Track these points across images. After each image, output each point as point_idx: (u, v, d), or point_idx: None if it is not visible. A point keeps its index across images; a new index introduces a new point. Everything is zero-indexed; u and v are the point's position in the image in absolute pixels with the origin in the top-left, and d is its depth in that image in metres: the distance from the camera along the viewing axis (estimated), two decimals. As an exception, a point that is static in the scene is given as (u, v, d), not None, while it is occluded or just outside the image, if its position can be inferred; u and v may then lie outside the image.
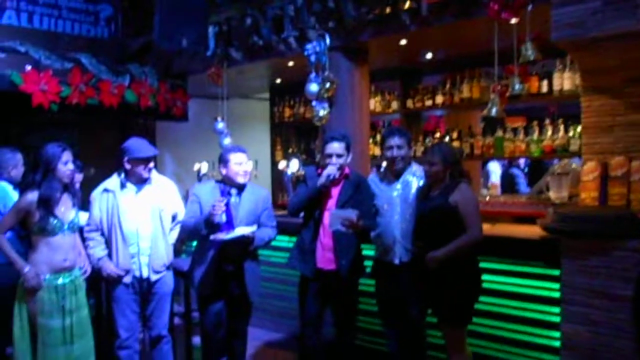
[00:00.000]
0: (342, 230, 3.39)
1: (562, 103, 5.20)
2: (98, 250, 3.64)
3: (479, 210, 3.29)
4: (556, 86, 4.83)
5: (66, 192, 3.40)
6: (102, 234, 3.67)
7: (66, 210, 3.35)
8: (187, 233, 3.71)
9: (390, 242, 3.52)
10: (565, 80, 4.76)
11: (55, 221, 3.27)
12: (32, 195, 3.23)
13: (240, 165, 3.60)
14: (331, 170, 3.51)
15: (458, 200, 3.21)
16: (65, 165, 3.33)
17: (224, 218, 3.46)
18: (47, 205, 3.24)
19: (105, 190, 3.68)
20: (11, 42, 4.87)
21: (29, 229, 3.30)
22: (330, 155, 3.57)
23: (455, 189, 3.24)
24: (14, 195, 3.87)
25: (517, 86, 3.85)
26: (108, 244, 3.67)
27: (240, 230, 3.44)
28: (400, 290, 3.53)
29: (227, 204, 3.45)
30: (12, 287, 3.39)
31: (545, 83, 4.89)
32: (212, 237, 3.43)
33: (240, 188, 3.63)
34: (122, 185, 3.67)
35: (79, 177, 4.25)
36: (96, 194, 3.70)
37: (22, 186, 3.37)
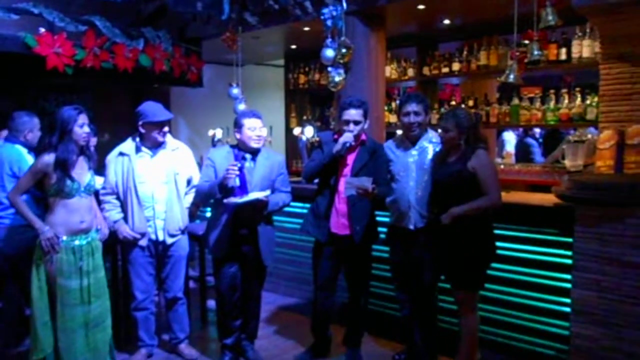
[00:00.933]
0: (355, 196, 3.41)
1: (579, 72, 5.13)
2: (114, 213, 3.70)
3: (497, 175, 3.29)
4: (575, 54, 4.75)
5: (82, 155, 3.43)
6: (118, 198, 3.72)
7: (82, 173, 3.39)
8: (202, 197, 3.75)
9: (406, 208, 3.54)
10: (584, 48, 4.68)
11: (72, 183, 3.30)
12: (49, 158, 3.26)
13: (253, 130, 3.59)
14: (348, 137, 3.50)
15: (476, 166, 3.20)
16: (82, 127, 3.35)
17: (237, 182, 3.48)
18: (63, 167, 3.27)
19: (121, 153, 3.71)
20: (24, 3, 4.83)
21: (45, 191, 3.35)
22: (347, 122, 3.55)
23: (473, 155, 3.23)
24: (29, 158, 3.91)
25: (535, 52, 3.79)
26: (124, 207, 3.71)
27: (254, 195, 3.46)
28: (414, 256, 3.56)
29: (240, 169, 3.47)
30: (30, 249, 3.47)
31: (564, 51, 4.82)
32: (225, 200, 3.46)
33: (254, 153, 3.64)
34: (137, 149, 3.71)
35: (93, 140, 4.27)
36: (111, 157, 3.73)
37: (38, 149, 3.41)
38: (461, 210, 3.21)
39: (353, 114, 3.54)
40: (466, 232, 3.24)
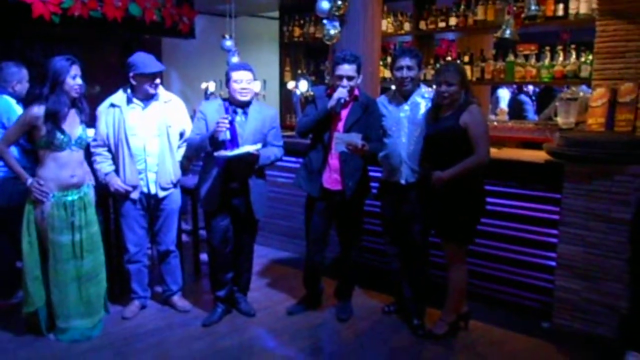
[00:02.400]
0: (347, 152, 3.42)
1: (576, 30, 5.07)
2: (105, 165, 3.67)
3: (488, 133, 3.30)
4: (572, 9, 4.70)
5: (74, 107, 3.39)
6: (109, 150, 3.68)
7: (73, 126, 3.34)
8: (193, 150, 3.73)
9: (397, 163, 3.56)
10: (581, 4, 4.62)
11: (63, 136, 3.26)
12: (39, 110, 3.21)
13: (239, 83, 3.54)
14: (341, 93, 3.48)
15: (468, 122, 3.20)
16: (74, 79, 3.30)
17: (228, 135, 3.46)
18: (54, 119, 3.22)
19: (112, 105, 3.66)
20: (8, -51, 4.71)
21: (35, 144, 3.32)
22: (340, 77, 3.51)
23: (465, 110, 3.23)
24: (18, 109, 3.85)
25: (533, 7, 3.76)
26: (115, 159, 3.68)
27: (245, 148, 3.44)
28: (405, 210, 3.59)
29: (231, 122, 3.45)
30: (21, 201, 3.47)
31: (561, 6, 4.75)
32: (215, 154, 3.44)
33: (245, 106, 3.61)
34: (129, 101, 3.65)
35: None
36: (102, 109, 3.68)
37: (28, 99, 3.35)
38: (449, 174, 3.23)
39: (347, 69, 3.51)
40: (457, 187, 3.27)
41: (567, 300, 3.50)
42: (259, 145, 3.50)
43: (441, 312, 3.59)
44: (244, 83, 3.55)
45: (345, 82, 3.50)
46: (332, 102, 3.48)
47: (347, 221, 3.76)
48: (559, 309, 3.55)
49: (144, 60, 3.61)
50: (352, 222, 3.78)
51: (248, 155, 3.46)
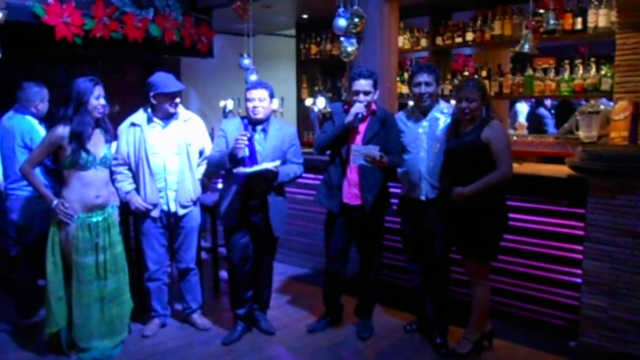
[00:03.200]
0: (366, 165, 3.41)
1: (594, 42, 5.03)
2: (125, 184, 3.70)
3: (510, 148, 3.26)
4: (591, 23, 4.66)
5: (98, 127, 3.43)
6: (130, 169, 3.71)
7: (98, 146, 3.38)
8: (213, 167, 3.74)
9: (417, 179, 3.53)
10: (600, 17, 4.59)
11: (87, 156, 3.29)
12: (64, 130, 3.25)
13: (251, 101, 3.56)
14: (359, 108, 3.49)
15: (490, 137, 3.17)
16: (97, 99, 3.34)
17: (247, 152, 3.48)
18: (78, 139, 3.26)
19: (133, 124, 3.70)
20: (32, -28, 4.81)
21: (60, 164, 3.35)
22: (357, 93, 3.53)
23: (487, 125, 3.20)
24: (40, 129, 3.92)
25: (551, 21, 3.73)
26: (135, 178, 3.71)
27: (264, 165, 3.45)
28: (426, 226, 3.56)
29: (250, 139, 3.47)
30: (42, 221, 3.50)
31: (579, 20, 4.72)
32: (235, 170, 3.46)
33: (262, 123, 3.61)
34: (149, 120, 3.69)
35: None
36: (123, 128, 3.72)
37: (52, 120, 3.40)
38: (471, 190, 3.20)
39: (363, 84, 3.52)
40: (479, 203, 3.23)
41: (594, 318, 3.42)
42: (277, 162, 3.51)
43: (464, 331, 3.53)
44: (256, 101, 3.56)
45: (362, 97, 3.51)
46: (349, 118, 3.48)
47: (367, 237, 3.73)
48: (585, 327, 3.47)
49: (164, 80, 3.65)
50: (372, 239, 3.75)
51: (267, 172, 3.46)
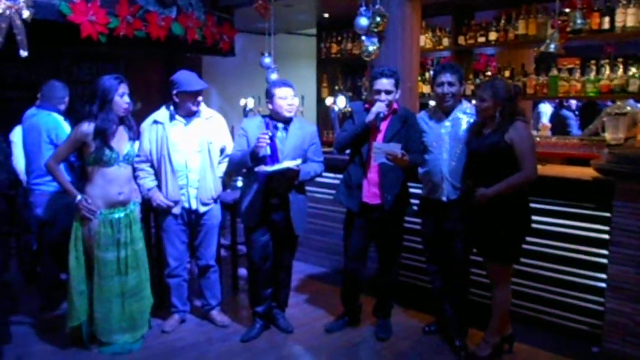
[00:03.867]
0: (387, 163, 3.39)
1: (621, 43, 4.93)
2: (148, 181, 3.73)
3: (535, 149, 3.20)
4: (619, 22, 4.57)
5: (122, 124, 3.46)
6: (152, 166, 3.74)
7: (122, 143, 3.41)
8: (234, 166, 3.76)
9: (439, 180, 3.50)
10: (629, 17, 4.51)
11: (111, 153, 3.33)
12: (89, 127, 3.29)
13: (285, 99, 3.57)
14: (380, 107, 3.47)
15: (514, 139, 3.13)
16: (122, 97, 3.37)
17: (268, 151, 3.48)
18: (103, 137, 3.30)
19: (155, 122, 3.73)
20: (59, -28, 4.86)
21: (84, 160, 3.39)
22: (379, 92, 3.51)
23: (511, 127, 3.15)
24: (66, 126, 3.98)
25: (579, 21, 3.66)
26: (157, 175, 3.74)
27: (285, 164, 3.45)
28: (447, 228, 3.53)
29: (272, 138, 3.47)
30: (65, 216, 3.55)
31: (607, 20, 4.64)
32: (256, 169, 3.46)
33: (287, 122, 3.62)
34: (172, 118, 3.72)
35: None
36: (146, 126, 3.75)
37: (78, 117, 3.43)
38: (494, 191, 3.15)
39: (385, 83, 3.50)
40: (501, 205, 3.19)
41: (619, 323, 3.36)
42: (299, 161, 3.51)
43: (485, 334, 3.49)
44: (289, 99, 3.58)
45: (383, 96, 3.49)
46: (370, 117, 3.46)
47: (387, 237, 3.71)
48: (609, 333, 3.41)
49: (187, 79, 3.67)
50: (392, 239, 3.73)
51: (288, 170, 3.46)
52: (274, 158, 3.52)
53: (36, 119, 4.03)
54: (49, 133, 3.95)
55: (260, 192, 3.59)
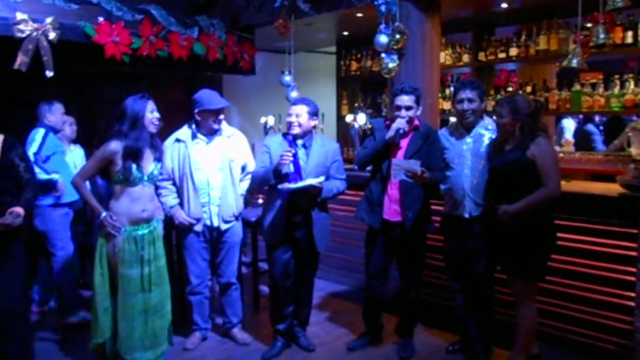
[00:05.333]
0: (407, 180, 3.36)
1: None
2: (170, 199, 3.76)
3: (557, 165, 3.16)
4: (642, 37, 4.53)
5: (149, 145, 3.46)
6: (174, 183, 3.78)
7: (147, 163, 3.40)
8: (257, 183, 3.76)
9: (460, 196, 3.47)
10: (652, 31, 4.46)
11: (137, 172, 3.34)
12: (116, 145, 3.27)
13: (289, 117, 3.60)
14: (400, 123, 3.46)
15: (536, 154, 3.09)
16: (152, 113, 3.38)
17: (291, 168, 3.49)
18: (135, 156, 3.29)
19: (177, 140, 3.77)
20: (83, -7, 4.97)
21: (110, 178, 3.39)
22: (399, 108, 3.51)
23: (533, 142, 3.12)
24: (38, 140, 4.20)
25: (601, 35, 3.62)
26: (179, 193, 3.77)
27: (308, 181, 3.46)
28: (470, 245, 3.49)
29: (294, 155, 3.48)
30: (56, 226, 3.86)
31: (630, 34, 4.60)
32: (279, 186, 3.46)
33: (296, 138, 3.61)
34: (193, 136, 3.76)
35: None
36: (168, 144, 3.79)
37: (103, 136, 3.46)
38: (517, 208, 3.11)
39: (405, 99, 3.50)
40: (526, 221, 3.14)
41: (649, 343, 3.27)
42: (322, 178, 3.51)
43: (509, 353, 3.42)
44: (292, 117, 3.60)
45: (403, 112, 3.49)
46: (390, 133, 3.45)
47: (408, 255, 3.68)
48: (639, 353, 3.31)
49: (208, 97, 3.71)
50: (414, 256, 3.69)
51: (311, 187, 3.46)
52: (296, 175, 3.53)
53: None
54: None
55: (282, 209, 3.58)
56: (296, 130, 3.59)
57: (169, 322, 3.61)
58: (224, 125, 3.85)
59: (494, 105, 5.44)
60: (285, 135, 3.68)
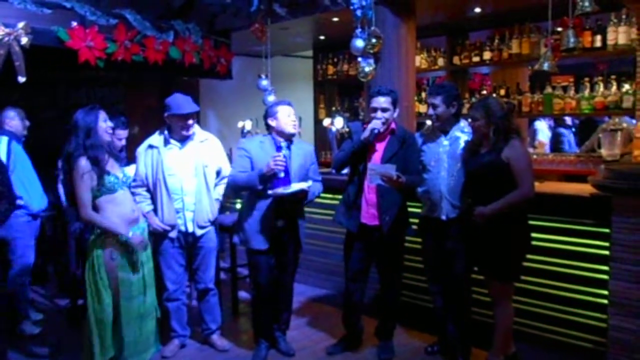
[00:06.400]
0: (383, 185, 3.39)
1: (614, 60, 5.00)
2: (144, 205, 3.70)
3: (531, 167, 3.22)
4: (610, 40, 4.66)
5: (110, 155, 3.39)
6: (148, 190, 3.73)
7: (114, 170, 3.38)
8: (238, 188, 3.72)
9: (437, 199, 3.51)
10: (620, 35, 4.60)
11: (109, 176, 3.30)
12: (85, 162, 3.21)
13: (289, 116, 3.61)
14: (376, 124, 3.48)
15: (510, 157, 3.14)
16: (105, 122, 3.34)
17: (282, 174, 3.46)
18: (98, 164, 3.25)
19: (150, 146, 3.73)
20: (57, -2, 4.90)
21: (93, 194, 3.28)
22: (375, 110, 3.53)
23: (506, 145, 3.17)
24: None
25: (571, 39, 3.69)
26: (153, 199, 3.73)
27: (298, 185, 3.44)
28: (447, 246, 3.52)
29: (285, 159, 3.45)
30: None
31: (598, 38, 4.72)
32: (270, 192, 3.43)
33: (289, 140, 3.62)
34: (166, 142, 3.72)
35: (124, 133, 4.32)
36: (141, 150, 3.75)
37: (67, 153, 3.30)
38: (492, 210, 3.16)
39: (381, 101, 3.52)
40: (500, 223, 3.19)
41: (623, 340, 3.33)
42: (310, 182, 3.52)
43: (488, 353, 3.46)
44: (293, 116, 3.62)
45: (379, 113, 3.51)
46: (365, 133, 3.48)
47: (387, 258, 3.69)
48: (613, 350, 3.38)
49: (178, 102, 3.68)
50: (392, 260, 3.71)
51: (301, 192, 3.45)
52: (286, 179, 3.50)
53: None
54: None
55: (270, 215, 3.56)
56: (297, 130, 3.65)
57: (155, 325, 3.57)
58: (198, 129, 3.83)
59: (469, 107, 5.53)
60: (273, 138, 3.64)
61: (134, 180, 3.68)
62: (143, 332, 3.43)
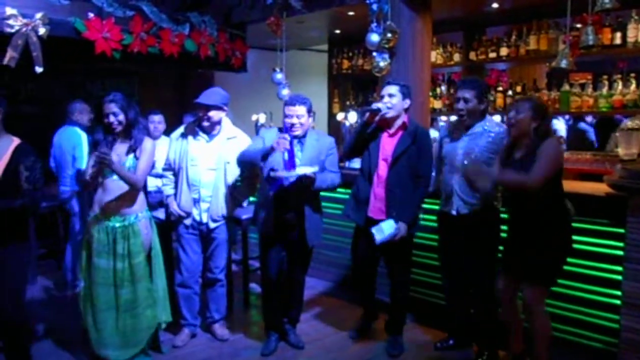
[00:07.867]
0: (385, 241, 3.46)
1: (633, 58, 4.93)
2: (168, 188, 3.88)
3: (551, 163, 3.00)
4: (630, 38, 4.59)
5: (120, 138, 3.44)
6: (174, 174, 3.86)
7: (120, 156, 3.39)
8: (245, 158, 3.60)
9: (449, 193, 3.50)
10: (640, 32, 4.51)
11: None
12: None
13: (289, 118, 3.53)
14: (380, 104, 3.52)
15: (542, 149, 2.97)
16: (108, 118, 3.40)
17: (286, 156, 3.45)
18: (95, 148, 3.41)
19: (182, 134, 3.85)
20: (73, -12, 4.94)
21: None
22: (382, 96, 3.59)
23: (542, 144, 3.00)
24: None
25: (590, 36, 3.64)
26: (175, 185, 3.85)
27: (302, 170, 3.39)
28: (456, 241, 3.51)
29: (290, 143, 3.43)
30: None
31: (618, 35, 4.65)
32: (272, 174, 3.43)
33: (299, 137, 3.60)
34: (196, 133, 3.80)
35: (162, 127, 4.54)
36: (174, 136, 3.90)
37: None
38: (499, 177, 3.09)
39: (390, 89, 3.58)
40: (543, 227, 3.08)
41: (635, 341, 3.29)
42: (316, 168, 3.46)
43: None
44: (293, 118, 3.53)
45: (386, 99, 3.55)
46: (367, 108, 3.57)
47: (394, 254, 3.68)
48: (625, 351, 3.34)
49: (204, 92, 3.77)
50: (399, 255, 3.70)
51: (305, 177, 3.41)
52: (291, 164, 3.48)
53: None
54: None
55: (275, 202, 3.55)
56: (299, 132, 3.55)
57: (148, 325, 3.53)
58: (228, 126, 3.89)
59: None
60: (280, 130, 3.67)
61: (167, 163, 3.86)
62: (120, 326, 3.41)
